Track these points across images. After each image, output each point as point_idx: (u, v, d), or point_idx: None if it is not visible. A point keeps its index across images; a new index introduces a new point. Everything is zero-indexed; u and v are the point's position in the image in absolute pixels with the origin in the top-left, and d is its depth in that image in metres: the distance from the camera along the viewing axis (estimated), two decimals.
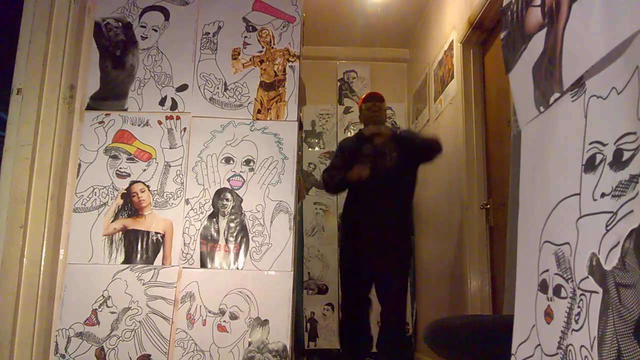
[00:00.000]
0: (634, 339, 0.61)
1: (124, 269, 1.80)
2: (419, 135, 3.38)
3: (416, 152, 2.95)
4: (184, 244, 1.82)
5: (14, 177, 1.77)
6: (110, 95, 1.94)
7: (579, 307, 0.74)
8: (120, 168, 1.88)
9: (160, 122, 1.91)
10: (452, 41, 3.14)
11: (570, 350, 0.75)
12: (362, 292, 2.97)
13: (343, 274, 3.18)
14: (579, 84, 0.80)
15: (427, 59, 3.85)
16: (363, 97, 3.21)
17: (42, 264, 1.76)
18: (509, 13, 1.05)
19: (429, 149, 2.92)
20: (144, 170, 1.88)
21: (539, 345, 0.85)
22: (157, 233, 1.84)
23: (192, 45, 1.97)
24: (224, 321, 1.76)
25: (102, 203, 1.85)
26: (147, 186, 1.87)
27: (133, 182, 1.87)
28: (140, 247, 1.82)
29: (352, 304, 3.02)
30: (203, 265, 1.81)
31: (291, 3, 2.01)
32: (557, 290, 0.80)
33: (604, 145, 0.72)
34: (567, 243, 0.78)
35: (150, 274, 1.79)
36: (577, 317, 0.74)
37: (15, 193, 1.76)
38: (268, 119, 1.91)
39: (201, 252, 1.82)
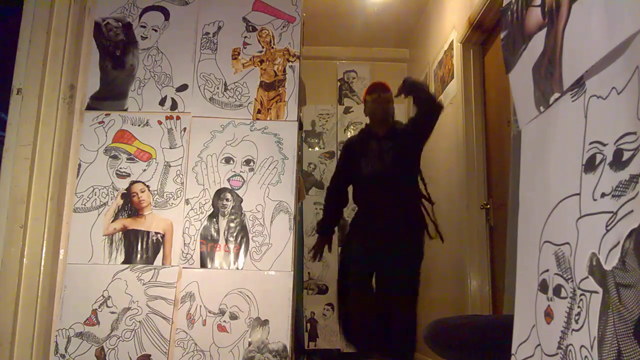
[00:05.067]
0: (634, 339, 0.61)
1: (124, 269, 1.80)
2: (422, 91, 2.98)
3: (419, 125, 2.84)
4: (184, 244, 1.82)
5: (14, 177, 1.77)
6: (110, 95, 1.94)
7: (579, 307, 0.74)
8: (120, 168, 1.88)
9: (160, 122, 1.91)
10: (452, 41, 3.14)
11: (570, 350, 0.75)
12: (364, 282, 2.79)
13: (344, 265, 2.97)
14: (579, 84, 0.80)
15: (427, 59, 3.85)
16: (367, 88, 3.03)
17: (42, 264, 1.77)
18: (509, 13, 1.05)
19: (431, 109, 2.81)
20: (144, 170, 1.88)
21: (539, 345, 0.85)
22: (157, 233, 1.84)
23: (192, 45, 1.97)
24: (224, 321, 1.76)
25: (102, 203, 1.85)
26: (147, 186, 1.87)
27: (133, 182, 1.87)
28: (140, 247, 1.82)
29: (355, 295, 2.79)
30: (203, 265, 1.81)
31: (291, 3, 2.01)
32: (557, 290, 0.80)
33: (604, 145, 0.72)
34: (567, 243, 0.78)
35: (150, 274, 1.79)
36: (577, 317, 0.74)
37: (15, 193, 1.76)
38: (268, 119, 1.91)
39: (201, 252, 1.82)
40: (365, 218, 2.87)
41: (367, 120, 3.06)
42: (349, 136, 4.45)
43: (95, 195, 1.86)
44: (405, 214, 2.78)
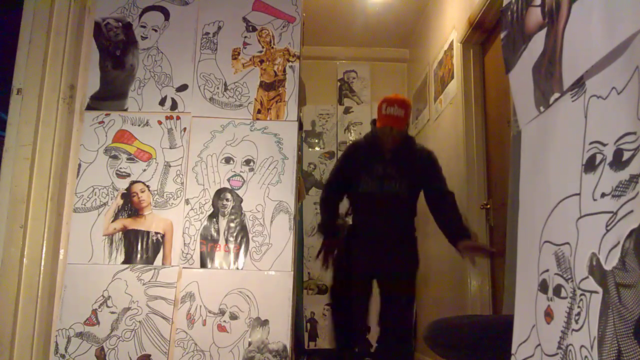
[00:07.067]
0: (634, 339, 0.61)
1: (124, 269, 1.80)
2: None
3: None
4: (184, 244, 1.82)
5: (14, 177, 1.77)
6: (110, 95, 1.94)
7: (579, 307, 0.74)
8: (120, 168, 1.88)
9: (160, 122, 1.91)
10: (452, 41, 3.14)
11: (570, 350, 0.75)
12: (363, 287, 2.79)
13: (339, 270, 2.89)
14: (579, 84, 0.80)
15: (427, 59, 3.85)
16: (384, 98, 2.72)
17: (42, 264, 1.76)
18: (509, 13, 1.05)
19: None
20: (144, 170, 1.88)
21: (539, 345, 0.85)
22: (157, 233, 1.84)
23: (192, 45, 1.97)
24: (224, 321, 1.76)
25: (102, 203, 1.85)
26: (147, 186, 1.87)
27: (133, 182, 1.87)
28: (140, 247, 1.82)
29: (348, 301, 2.82)
30: (203, 265, 1.81)
31: (291, 3, 2.01)
32: (557, 290, 0.80)
33: (604, 145, 0.72)
34: (567, 243, 0.78)
35: (150, 274, 1.79)
36: (577, 317, 0.74)
37: (15, 193, 1.76)
38: (268, 119, 1.91)
39: (201, 252, 1.82)
40: (364, 226, 2.82)
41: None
42: (349, 136, 4.45)
43: (95, 195, 1.86)
44: (402, 225, 2.77)
